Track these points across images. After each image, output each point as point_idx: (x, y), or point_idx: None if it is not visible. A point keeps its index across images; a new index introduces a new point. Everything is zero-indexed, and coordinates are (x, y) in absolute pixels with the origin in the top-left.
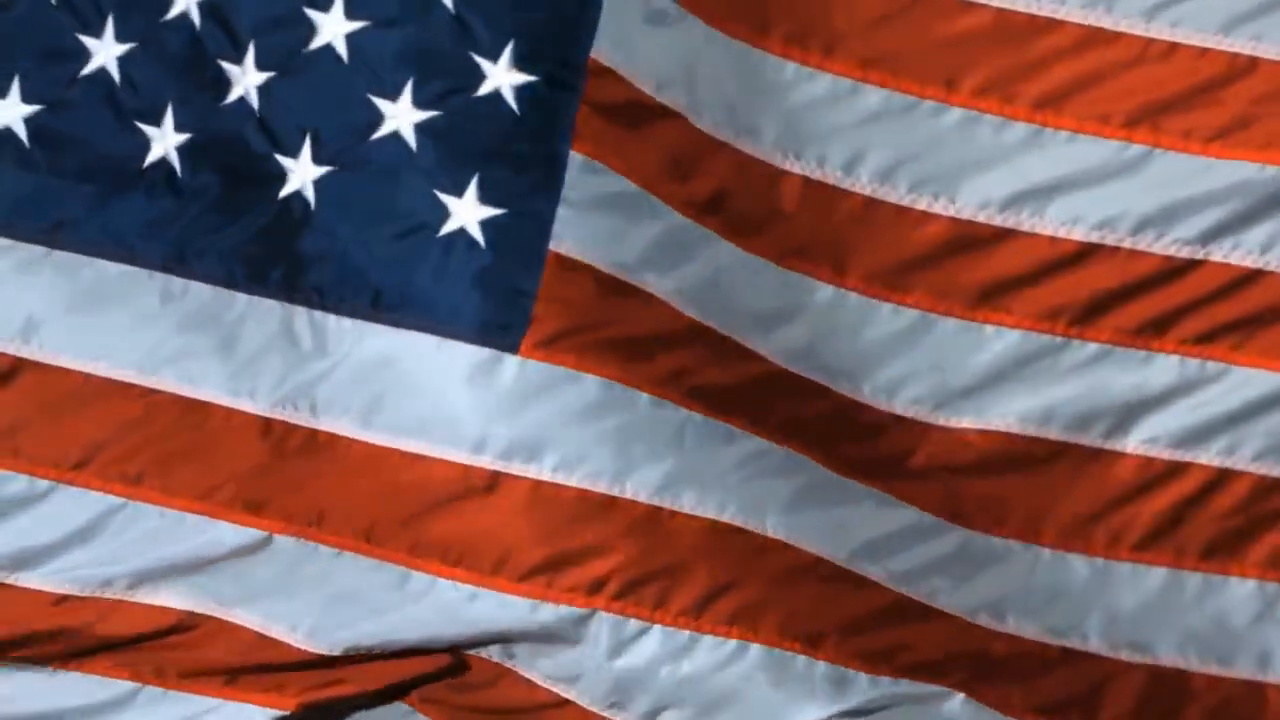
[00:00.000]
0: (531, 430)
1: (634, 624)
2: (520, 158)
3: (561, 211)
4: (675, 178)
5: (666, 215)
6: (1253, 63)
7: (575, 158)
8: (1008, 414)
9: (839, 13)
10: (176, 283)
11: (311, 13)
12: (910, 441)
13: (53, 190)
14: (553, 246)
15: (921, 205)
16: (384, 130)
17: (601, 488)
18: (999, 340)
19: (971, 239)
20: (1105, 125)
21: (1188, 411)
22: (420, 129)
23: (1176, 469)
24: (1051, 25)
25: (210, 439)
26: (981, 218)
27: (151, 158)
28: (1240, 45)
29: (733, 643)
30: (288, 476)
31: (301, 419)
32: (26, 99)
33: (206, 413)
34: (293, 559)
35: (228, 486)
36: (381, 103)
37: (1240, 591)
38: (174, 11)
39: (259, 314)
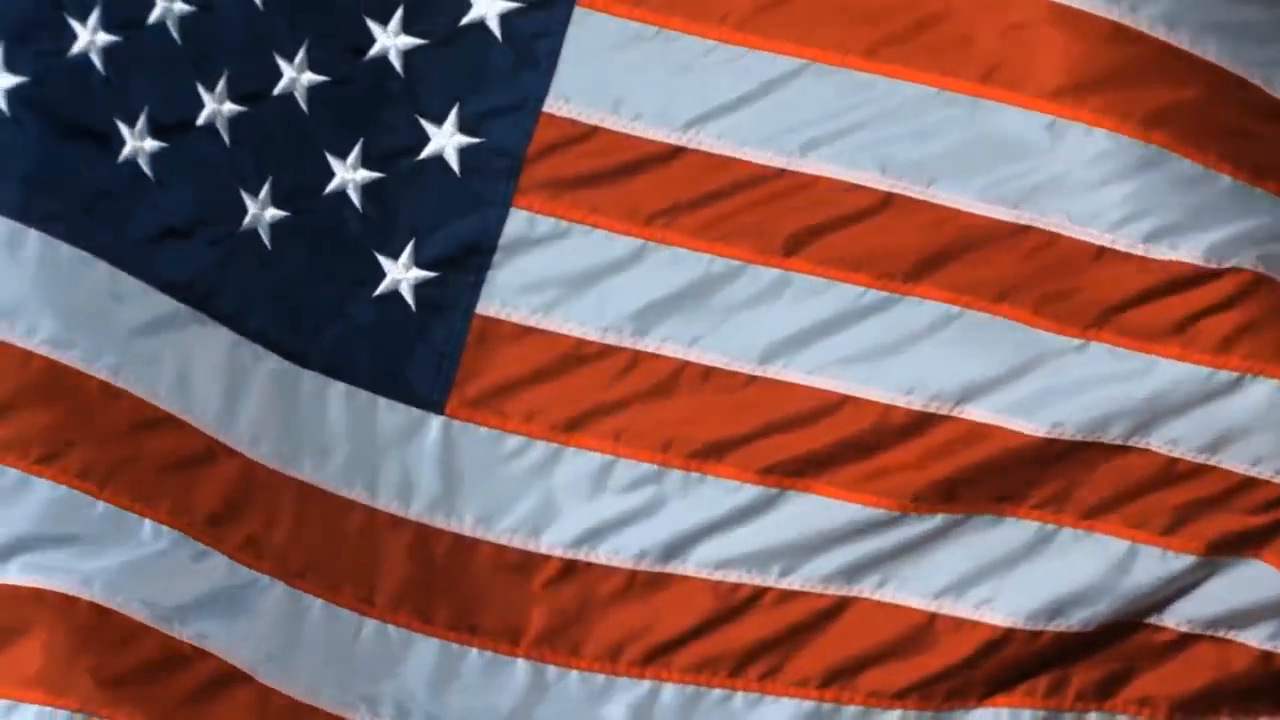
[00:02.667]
0: (451, 485)
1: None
2: (458, 218)
3: (495, 273)
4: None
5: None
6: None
7: (517, 214)
8: None
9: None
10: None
11: (280, 60)
12: None
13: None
14: (479, 309)
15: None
16: (333, 187)
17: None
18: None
19: None
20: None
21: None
22: (365, 190)
23: None
24: None
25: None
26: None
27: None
28: None
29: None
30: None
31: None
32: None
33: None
34: None
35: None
36: (333, 160)
37: None
38: (154, 15)
39: (207, 339)
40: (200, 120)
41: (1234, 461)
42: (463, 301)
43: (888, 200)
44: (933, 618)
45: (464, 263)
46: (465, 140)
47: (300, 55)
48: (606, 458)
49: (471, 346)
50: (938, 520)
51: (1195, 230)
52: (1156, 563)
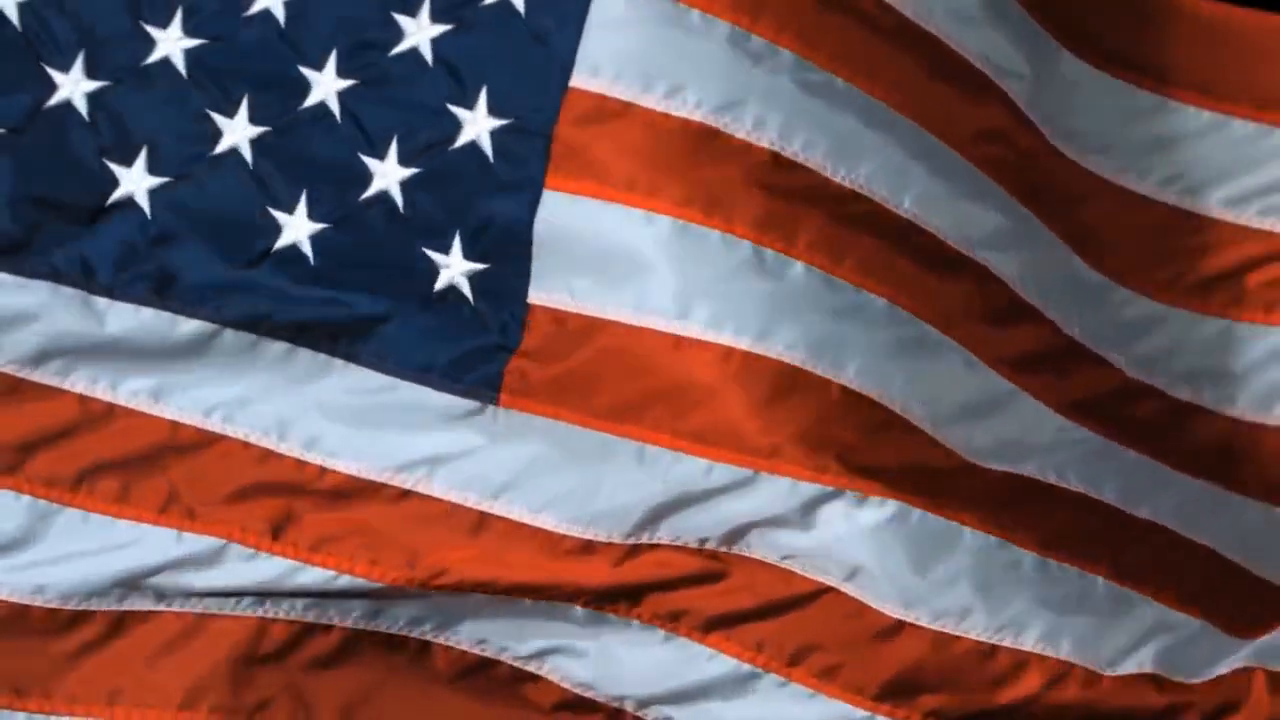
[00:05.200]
0: (508, 476)
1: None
2: (495, 204)
3: (539, 253)
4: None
5: (656, 223)
6: None
7: (549, 195)
8: None
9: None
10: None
11: (306, 71)
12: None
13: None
14: (531, 298)
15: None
16: (373, 189)
17: (576, 531)
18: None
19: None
20: None
21: None
22: (405, 186)
23: None
24: None
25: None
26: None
27: (119, 195)
28: None
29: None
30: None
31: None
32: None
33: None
34: None
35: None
36: (370, 161)
37: None
38: (154, 56)
39: (256, 352)
40: (219, 149)
41: None
42: (517, 289)
43: None
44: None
45: (508, 250)
46: (496, 122)
47: (330, 63)
48: None
49: (529, 334)
50: None
51: None
52: None
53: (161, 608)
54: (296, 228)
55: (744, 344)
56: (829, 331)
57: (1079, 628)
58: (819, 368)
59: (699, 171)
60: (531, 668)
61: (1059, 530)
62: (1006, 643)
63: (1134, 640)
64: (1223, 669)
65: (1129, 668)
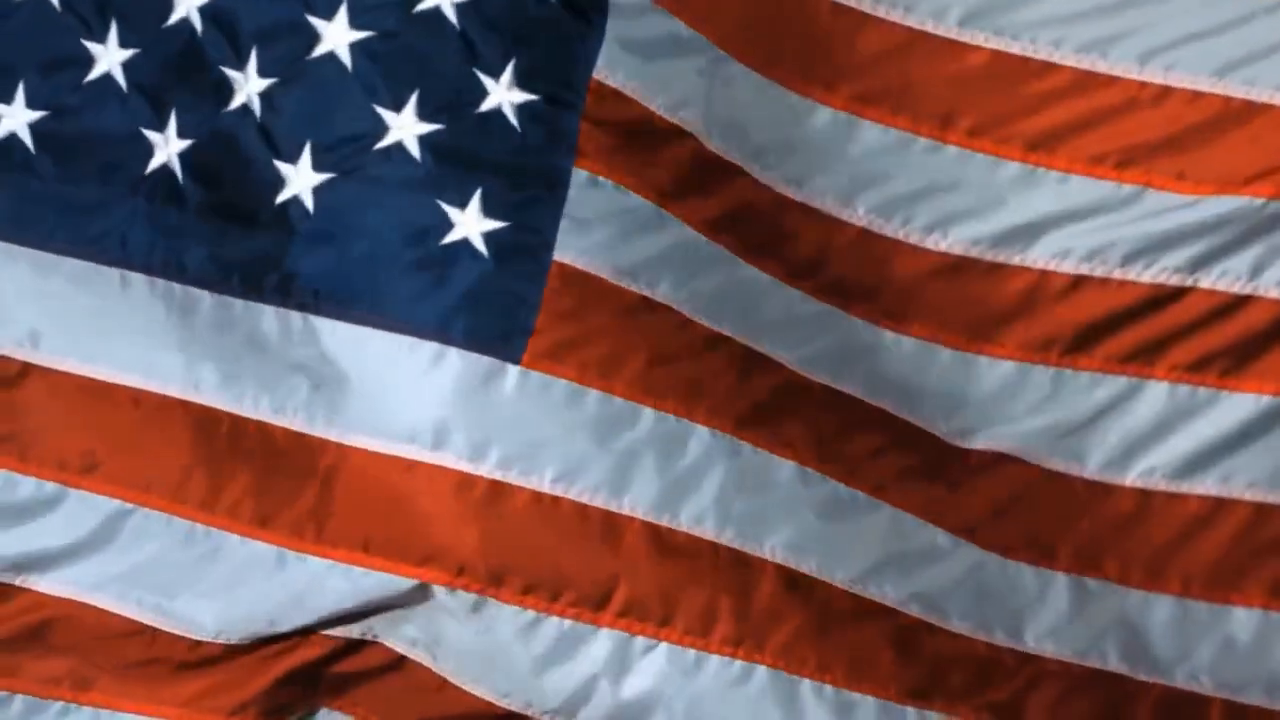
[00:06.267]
0: (532, 440)
1: (640, 641)
2: (521, 173)
3: (565, 224)
4: (686, 194)
5: (677, 229)
6: (1247, 106)
7: (579, 174)
8: (1005, 440)
9: (840, 49)
10: (176, 289)
11: (315, 21)
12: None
13: (58, 196)
14: (557, 257)
15: (914, 239)
16: (387, 141)
17: (599, 503)
18: (993, 371)
19: (964, 273)
20: (1098, 166)
21: (1183, 440)
22: (423, 141)
23: (1175, 499)
24: (1047, 69)
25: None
26: (974, 253)
27: (154, 164)
28: (1234, 90)
29: (739, 664)
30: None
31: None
32: (32, 105)
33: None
34: None
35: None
36: (385, 113)
37: (1245, 620)
38: (175, 17)
39: (255, 319)
40: (234, 105)
41: None
42: (538, 251)
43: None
44: None
45: (532, 211)
46: (522, 96)
47: (341, 14)
48: None
49: (550, 296)
50: None
51: None
52: None
53: None
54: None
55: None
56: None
57: None
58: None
59: None
60: None
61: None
62: None
63: None
64: None
65: None
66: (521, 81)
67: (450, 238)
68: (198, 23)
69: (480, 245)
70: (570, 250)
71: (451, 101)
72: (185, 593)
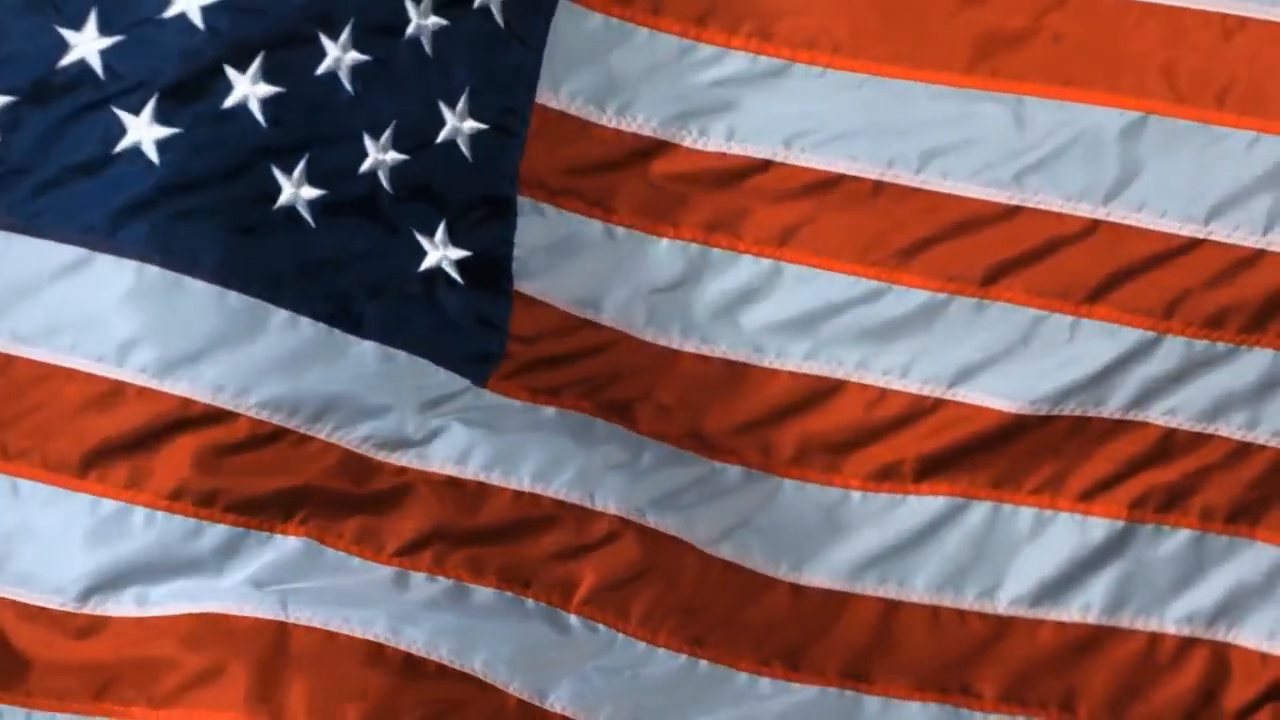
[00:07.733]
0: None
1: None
2: (475, 204)
3: (517, 253)
4: (637, 208)
5: (627, 243)
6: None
7: (523, 202)
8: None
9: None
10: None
11: (324, 39)
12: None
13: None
14: (517, 286)
15: (931, 186)
16: (366, 166)
17: (575, 499)
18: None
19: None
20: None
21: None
22: (395, 171)
23: (1199, 439)
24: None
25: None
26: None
27: (126, 144)
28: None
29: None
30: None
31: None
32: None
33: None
34: None
35: None
36: (368, 141)
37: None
38: (171, 11)
39: (249, 314)
40: (228, 103)
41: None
42: (500, 279)
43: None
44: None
45: (488, 240)
46: (473, 125)
47: (345, 34)
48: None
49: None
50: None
51: None
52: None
53: None
54: None
55: None
56: None
57: None
58: None
59: None
60: None
61: None
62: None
63: None
64: None
65: None
66: (474, 111)
67: (426, 264)
68: (199, 20)
69: (453, 272)
70: (522, 278)
71: (416, 131)
72: None
